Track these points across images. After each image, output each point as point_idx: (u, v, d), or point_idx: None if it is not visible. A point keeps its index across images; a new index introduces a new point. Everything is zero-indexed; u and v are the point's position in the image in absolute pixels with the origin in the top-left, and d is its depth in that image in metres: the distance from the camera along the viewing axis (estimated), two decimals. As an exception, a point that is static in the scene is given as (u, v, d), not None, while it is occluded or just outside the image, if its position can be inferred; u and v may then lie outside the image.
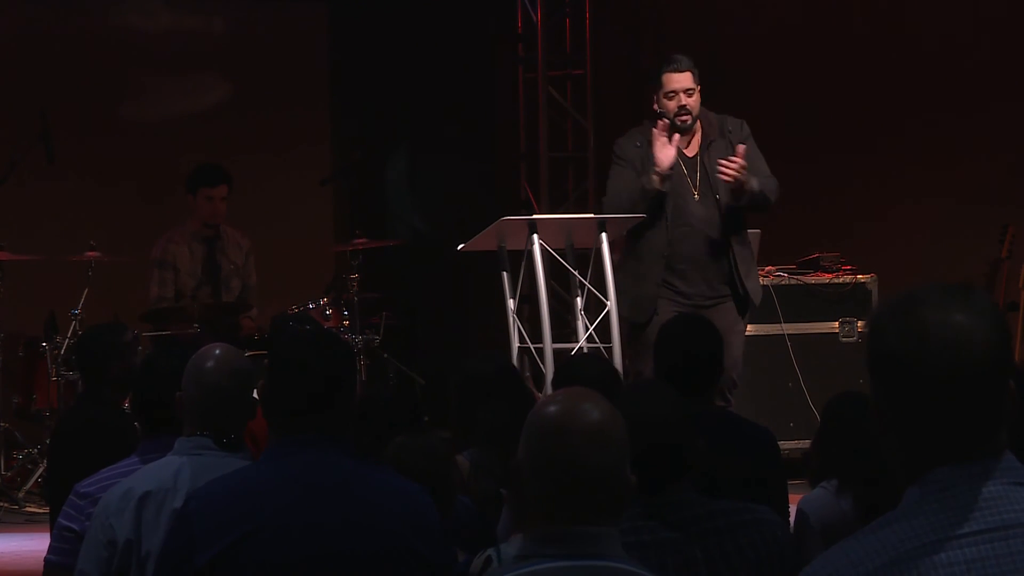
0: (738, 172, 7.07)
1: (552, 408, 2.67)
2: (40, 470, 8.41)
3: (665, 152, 7.19)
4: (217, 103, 11.07)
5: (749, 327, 8.53)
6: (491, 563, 3.27)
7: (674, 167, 7.22)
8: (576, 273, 7.92)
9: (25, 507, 8.36)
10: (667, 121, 7.23)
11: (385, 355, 9.38)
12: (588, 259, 8.03)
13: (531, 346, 7.78)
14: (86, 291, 8.39)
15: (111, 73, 10.74)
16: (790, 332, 8.54)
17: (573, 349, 7.84)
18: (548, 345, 7.78)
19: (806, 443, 8.21)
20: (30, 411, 8.79)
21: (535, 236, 7.75)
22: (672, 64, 7.30)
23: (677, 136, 7.20)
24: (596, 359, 5.54)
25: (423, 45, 11.08)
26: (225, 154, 9.85)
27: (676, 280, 7.26)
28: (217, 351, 4.08)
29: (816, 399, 8.29)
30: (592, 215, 8.62)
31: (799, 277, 8.75)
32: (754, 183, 7.19)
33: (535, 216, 8.66)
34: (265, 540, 3.24)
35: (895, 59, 10.51)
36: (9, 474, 8.66)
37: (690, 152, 7.34)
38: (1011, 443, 2.14)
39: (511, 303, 7.80)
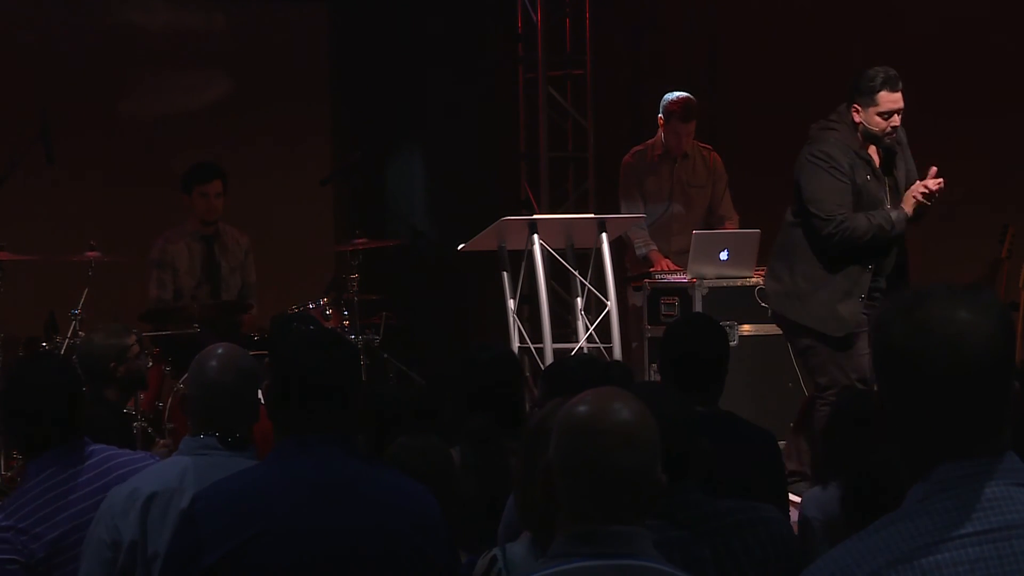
0: (930, 198, 7.02)
1: (582, 408, 2.67)
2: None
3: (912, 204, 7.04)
4: (217, 102, 11.07)
5: (749, 327, 8.55)
6: (496, 563, 3.27)
7: (871, 178, 7.11)
8: (576, 273, 7.92)
9: (25, 507, 8.35)
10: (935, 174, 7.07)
11: (385, 355, 9.38)
12: (588, 259, 8.04)
13: (531, 346, 7.79)
14: (86, 291, 8.38)
15: (111, 71, 10.74)
16: (790, 332, 8.53)
17: (573, 349, 7.85)
18: (548, 345, 7.79)
19: (806, 443, 8.21)
20: (30, 411, 8.78)
21: (535, 236, 7.76)
22: (888, 82, 7.06)
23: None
24: (594, 363, 5.51)
25: (423, 45, 11.08)
26: (225, 153, 9.85)
27: (872, 291, 7.09)
28: (220, 350, 4.06)
29: (816, 399, 8.28)
30: (592, 215, 8.63)
31: (799, 277, 8.74)
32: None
33: (535, 216, 8.66)
34: (272, 541, 3.24)
35: (895, 59, 10.49)
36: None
37: (877, 163, 7.18)
38: (1015, 443, 2.14)
39: (511, 303, 7.80)
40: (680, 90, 9.28)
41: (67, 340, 8.22)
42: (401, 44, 11.12)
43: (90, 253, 8.52)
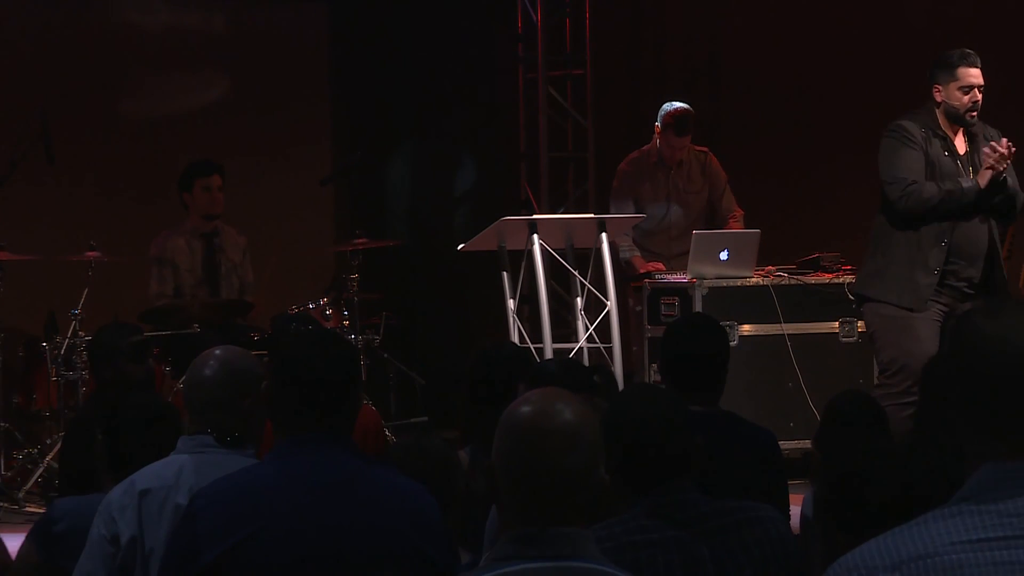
0: (1000, 160, 7.08)
1: (525, 409, 2.67)
2: (40, 470, 8.41)
3: (988, 176, 7.14)
4: (217, 102, 11.07)
5: (749, 327, 8.55)
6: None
7: (947, 155, 7.24)
8: (576, 273, 7.93)
9: (25, 507, 8.36)
10: (1010, 146, 7.15)
11: (385, 355, 9.39)
12: (588, 259, 8.04)
13: (531, 346, 7.78)
14: (86, 291, 8.39)
15: (111, 71, 10.74)
16: (790, 332, 8.54)
17: (573, 349, 7.86)
18: (548, 345, 7.80)
19: (806, 443, 8.22)
20: (30, 411, 8.78)
21: (535, 236, 7.76)
22: (966, 58, 7.21)
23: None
24: (576, 365, 5.50)
25: (423, 45, 11.08)
26: (225, 153, 9.84)
27: (949, 270, 7.21)
28: (218, 351, 4.09)
29: (816, 399, 8.29)
30: (592, 215, 8.63)
31: (799, 277, 8.75)
32: (1010, 179, 7.21)
33: (535, 216, 8.67)
34: (270, 539, 3.25)
35: (896, 59, 10.51)
36: (9, 474, 8.65)
37: (960, 150, 7.29)
38: None
39: (511, 303, 7.81)
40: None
41: (67, 340, 8.23)
42: (401, 44, 11.12)
43: (90, 253, 8.52)
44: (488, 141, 11.33)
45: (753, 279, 8.60)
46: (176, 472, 3.93)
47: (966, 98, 7.21)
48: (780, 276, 8.72)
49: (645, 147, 9.32)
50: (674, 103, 9.16)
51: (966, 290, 7.25)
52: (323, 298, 8.88)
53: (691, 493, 3.42)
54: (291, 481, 3.31)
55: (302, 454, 3.35)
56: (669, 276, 8.79)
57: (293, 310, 8.73)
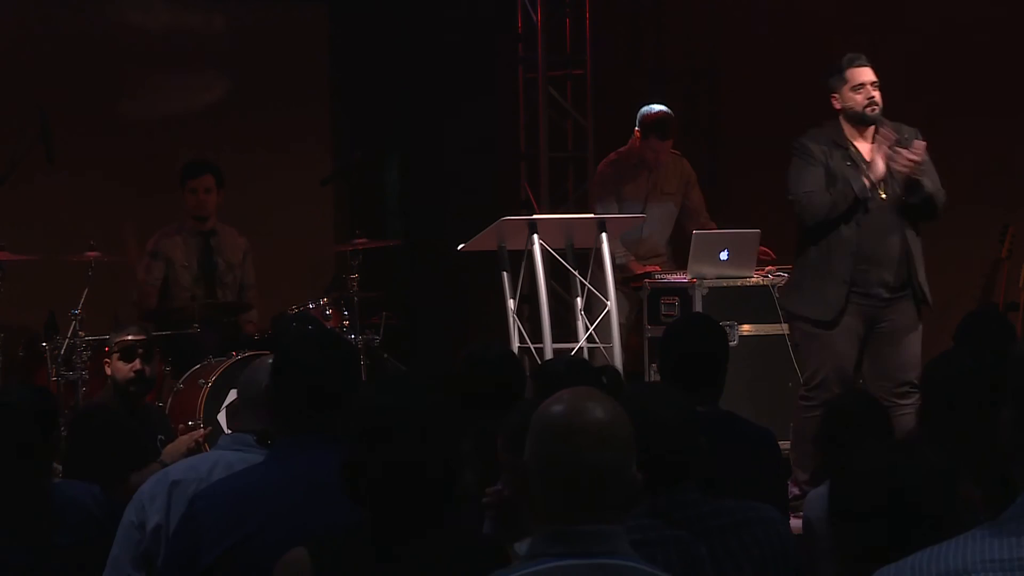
0: (912, 163, 7.19)
1: (557, 407, 2.68)
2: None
3: (882, 160, 7.26)
4: (217, 102, 11.07)
5: (749, 327, 8.54)
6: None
7: (850, 164, 7.33)
8: (576, 273, 7.93)
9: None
10: (892, 134, 7.28)
11: (385, 355, 9.38)
12: (588, 259, 8.04)
13: (531, 346, 7.79)
14: (86, 291, 8.38)
15: (111, 71, 10.73)
16: (790, 332, 8.53)
17: (573, 349, 7.86)
18: (548, 345, 7.80)
19: (806, 443, 8.23)
20: (30, 411, 8.77)
21: (535, 236, 7.76)
22: (853, 60, 7.37)
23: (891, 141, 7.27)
24: (582, 364, 5.51)
25: (423, 45, 11.08)
26: (225, 153, 9.84)
27: (859, 278, 7.32)
28: (269, 360, 4.15)
29: (816, 399, 8.28)
30: (592, 215, 8.63)
31: (799, 277, 8.73)
32: (927, 182, 7.31)
33: (535, 216, 8.66)
34: (270, 539, 3.25)
35: (894, 59, 10.51)
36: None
37: (867, 155, 7.38)
38: None
39: (511, 303, 7.81)
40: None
41: (67, 340, 8.22)
42: (401, 44, 11.12)
43: (90, 253, 8.52)
44: (488, 141, 11.33)
45: (753, 279, 8.60)
46: (210, 466, 3.98)
47: (859, 96, 7.33)
48: (780, 276, 8.71)
49: (622, 149, 9.32)
50: (653, 106, 9.18)
51: (884, 295, 7.34)
52: (323, 298, 8.88)
53: (692, 493, 3.43)
54: (291, 482, 3.32)
55: (302, 454, 3.35)
56: (669, 276, 8.79)
57: (293, 310, 8.74)
